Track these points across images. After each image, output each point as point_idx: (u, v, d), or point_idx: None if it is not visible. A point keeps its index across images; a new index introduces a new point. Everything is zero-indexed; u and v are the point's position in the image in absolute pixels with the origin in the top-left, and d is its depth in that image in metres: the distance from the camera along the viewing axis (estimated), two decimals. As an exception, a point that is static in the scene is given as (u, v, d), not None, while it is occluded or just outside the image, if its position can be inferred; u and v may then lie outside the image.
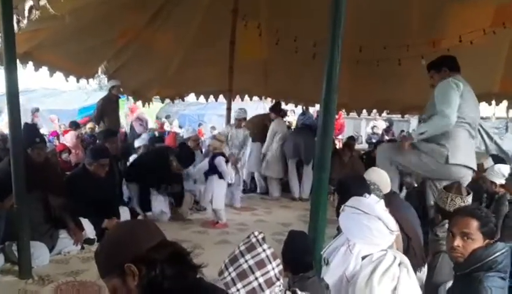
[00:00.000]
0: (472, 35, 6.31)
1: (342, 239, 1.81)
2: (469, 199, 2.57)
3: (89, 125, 9.14)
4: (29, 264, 3.54)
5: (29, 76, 7.11)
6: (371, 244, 1.75)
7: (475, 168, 3.81)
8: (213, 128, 14.39)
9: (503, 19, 6.19)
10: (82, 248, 4.27)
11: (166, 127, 14.08)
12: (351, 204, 1.85)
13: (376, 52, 6.84)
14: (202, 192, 6.24)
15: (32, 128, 4.50)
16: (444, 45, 6.77)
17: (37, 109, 11.14)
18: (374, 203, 1.83)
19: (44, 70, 6.17)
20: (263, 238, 1.62)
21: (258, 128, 7.93)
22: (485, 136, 12.82)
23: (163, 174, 5.50)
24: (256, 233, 1.62)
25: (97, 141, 5.61)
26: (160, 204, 5.49)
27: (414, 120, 15.24)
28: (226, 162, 5.54)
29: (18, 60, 5.30)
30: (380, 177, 3.06)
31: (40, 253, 3.78)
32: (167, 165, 5.45)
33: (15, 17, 4.23)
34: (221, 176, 5.40)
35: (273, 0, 7.22)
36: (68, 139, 7.36)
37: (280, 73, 8.58)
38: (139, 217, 5.16)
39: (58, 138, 8.33)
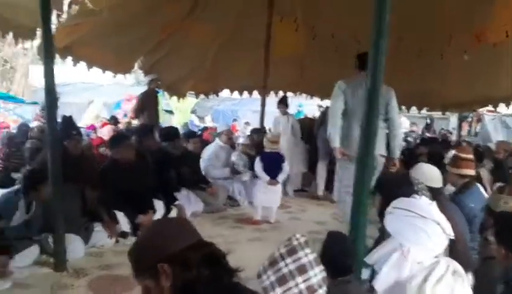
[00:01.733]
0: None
1: (392, 244, 1.67)
2: (524, 202, 2.39)
3: (126, 119, 9.27)
4: (64, 257, 3.57)
5: (68, 70, 7.23)
6: (427, 249, 1.62)
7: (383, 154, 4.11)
8: (247, 123, 14.35)
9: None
10: (117, 241, 4.29)
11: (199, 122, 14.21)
12: (402, 206, 1.70)
13: (416, 45, 6.61)
14: (235, 189, 6.23)
15: (69, 120, 4.54)
16: (488, 40, 6.48)
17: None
18: (428, 205, 1.69)
19: (82, 64, 6.25)
20: (306, 242, 1.52)
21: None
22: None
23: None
24: (298, 236, 1.53)
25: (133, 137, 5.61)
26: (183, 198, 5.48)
27: (453, 118, 14.79)
28: (282, 161, 5.47)
29: (57, 55, 5.45)
30: (429, 174, 2.89)
31: (75, 246, 3.81)
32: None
33: (54, 12, 4.30)
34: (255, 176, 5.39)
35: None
36: (105, 132, 7.46)
37: (316, 68, 8.41)
38: (173, 211, 5.12)
39: (95, 132, 8.46)
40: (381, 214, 2.43)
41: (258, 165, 5.36)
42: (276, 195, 5.43)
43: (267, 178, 5.31)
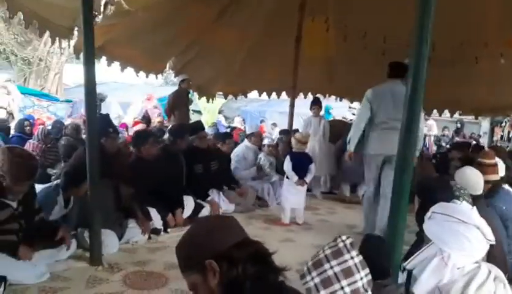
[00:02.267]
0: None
1: (432, 250, 1.65)
2: None
3: (158, 119, 9.40)
4: (99, 252, 3.65)
5: (101, 70, 7.39)
6: (467, 255, 1.60)
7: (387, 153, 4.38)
8: (274, 124, 14.35)
9: None
10: (149, 238, 4.36)
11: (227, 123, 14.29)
12: (443, 211, 1.68)
13: (451, 50, 6.48)
14: (264, 189, 6.25)
15: (106, 118, 4.65)
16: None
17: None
18: (469, 210, 1.67)
19: (116, 64, 6.37)
20: (351, 243, 1.50)
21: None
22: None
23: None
24: (344, 238, 1.51)
25: (167, 137, 5.71)
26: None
27: (485, 123, 14.45)
28: (310, 162, 5.46)
29: (93, 55, 5.58)
30: (474, 178, 2.86)
31: (109, 241, 3.89)
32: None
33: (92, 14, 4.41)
34: (286, 177, 5.34)
35: (342, -6, 7.02)
36: (137, 131, 7.57)
37: (347, 70, 8.35)
38: (206, 208, 5.18)
39: (127, 130, 8.62)
40: (419, 219, 2.41)
41: (288, 164, 5.32)
42: (302, 196, 5.41)
43: (296, 178, 5.28)
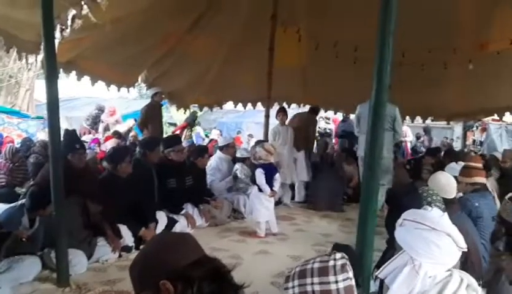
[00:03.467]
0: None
1: (403, 258, 1.61)
2: (538, 212, 2.33)
3: (132, 133, 9.25)
4: (66, 272, 3.52)
5: (73, 85, 7.27)
6: (439, 263, 1.56)
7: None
8: (250, 136, 14.31)
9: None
10: (120, 256, 4.23)
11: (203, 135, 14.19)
12: (413, 218, 1.64)
13: (420, 56, 6.58)
14: (240, 201, 6.17)
15: (73, 134, 4.53)
16: (492, 48, 6.46)
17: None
18: (440, 217, 1.64)
19: (86, 79, 6.26)
20: (343, 266, 1.41)
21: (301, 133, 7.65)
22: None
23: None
24: (338, 256, 1.43)
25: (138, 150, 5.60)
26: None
27: (458, 128, 14.72)
28: (276, 172, 5.39)
29: (61, 69, 5.46)
30: (446, 182, 2.88)
31: (77, 261, 3.76)
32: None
33: (58, 26, 4.31)
34: (260, 189, 5.23)
35: (313, 5, 7.08)
36: (109, 146, 7.43)
37: (319, 79, 8.41)
38: (180, 221, 5.08)
39: (99, 146, 8.45)
40: (388, 226, 2.39)
41: (261, 177, 5.23)
42: (272, 206, 5.37)
43: (269, 190, 5.23)
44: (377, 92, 2.10)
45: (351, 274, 1.40)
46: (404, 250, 1.64)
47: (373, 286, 2.34)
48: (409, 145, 12.27)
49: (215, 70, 8.26)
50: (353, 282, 1.41)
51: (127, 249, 4.34)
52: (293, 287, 1.41)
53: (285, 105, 9.55)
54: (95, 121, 11.23)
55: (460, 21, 6.42)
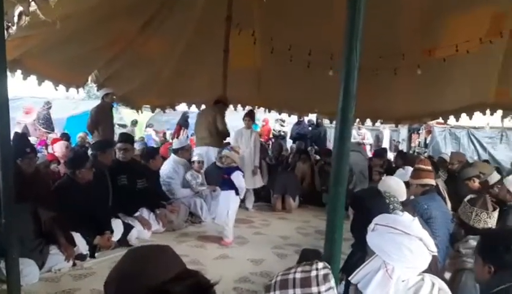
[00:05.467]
0: (468, 44, 6.28)
1: (376, 263, 1.63)
2: (495, 215, 2.45)
3: (80, 134, 8.92)
4: (17, 283, 3.31)
5: (17, 84, 6.90)
6: (411, 267, 1.60)
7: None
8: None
9: (500, 28, 6.16)
10: (74, 265, 4.04)
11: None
12: (385, 222, 1.67)
13: (371, 62, 6.78)
14: (197, 204, 6.08)
15: (22, 137, 4.30)
16: (439, 54, 6.76)
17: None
18: (411, 222, 1.68)
19: (32, 78, 5.97)
20: (325, 275, 1.38)
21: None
22: (477, 145, 12.97)
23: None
24: (320, 266, 1.40)
25: (90, 152, 5.41)
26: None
27: (403, 130, 15.31)
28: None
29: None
30: (396, 186, 2.98)
31: (29, 271, 3.57)
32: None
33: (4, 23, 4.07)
34: (237, 192, 5.15)
35: (267, 8, 7.11)
36: (58, 149, 7.09)
37: (273, 82, 8.49)
38: (136, 226, 4.94)
39: (46, 148, 8.07)
40: (354, 230, 2.43)
41: (242, 180, 5.17)
42: None
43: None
44: (344, 97, 2.14)
45: (333, 283, 1.38)
46: (376, 255, 1.66)
47: (339, 288, 2.38)
48: (368, 148, 12.56)
49: (168, 71, 8.14)
50: (336, 292, 1.40)
51: (81, 257, 4.17)
52: None
53: (239, 107, 9.61)
54: (49, 122, 10.65)
55: (408, 28, 6.67)
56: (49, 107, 10.76)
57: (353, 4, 2.16)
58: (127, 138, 5.80)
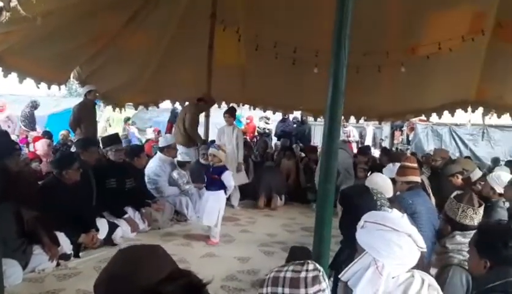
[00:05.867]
0: (451, 42, 6.37)
1: (366, 260, 1.64)
2: (481, 211, 2.49)
3: (62, 132, 8.78)
4: (1, 284, 3.24)
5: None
6: (401, 263, 1.61)
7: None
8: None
9: (481, 26, 6.26)
10: (58, 265, 3.97)
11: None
12: (374, 219, 1.68)
13: (355, 59, 6.80)
14: (182, 202, 6.03)
15: (6, 135, 4.21)
16: (423, 52, 6.83)
17: None
18: (400, 218, 1.69)
19: (13, 76, 5.84)
20: (315, 277, 1.36)
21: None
22: (459, 142, 13.18)
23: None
24: (311, 267, 1.38)
25: (74, 150, 5.32)
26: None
27: (386, 127, 15.47)
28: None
29: (-14, 65, 5.06)
30: (383, 183, 3.01)
31: (12, 272, 3.48)
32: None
33: (-17, 19, 3.98)
34: (226, 192, 5.13)
35: (252, 5, 7.11)
36: (39, 147, 6.99)
37: (258, 79, 8.47)
38: (122, 226, 4.88)
39: (28, 146, 7.94)
40: (342, 227, 2.44)
41: (232, 180, 5.15)
42: None
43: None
44: (333, 94, 2.15)
45: (324, 285, 1.37)
46: (366, 252, 1.66)
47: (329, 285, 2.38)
48: (354, 145, 12.62)
49: (152, 68, 8.06)
50: (329, 293, 1.40)
51: (65, 257, 4.09)
52: (267, 293, 1.39)
53: (224, 104, 9.56)
54: (31, 120, 10.44)
55: (391, 26, 6.73)
56: (35, 106, 10.55)
57: (342, 2, 2.18)
58: (118, 139, 5.75)
